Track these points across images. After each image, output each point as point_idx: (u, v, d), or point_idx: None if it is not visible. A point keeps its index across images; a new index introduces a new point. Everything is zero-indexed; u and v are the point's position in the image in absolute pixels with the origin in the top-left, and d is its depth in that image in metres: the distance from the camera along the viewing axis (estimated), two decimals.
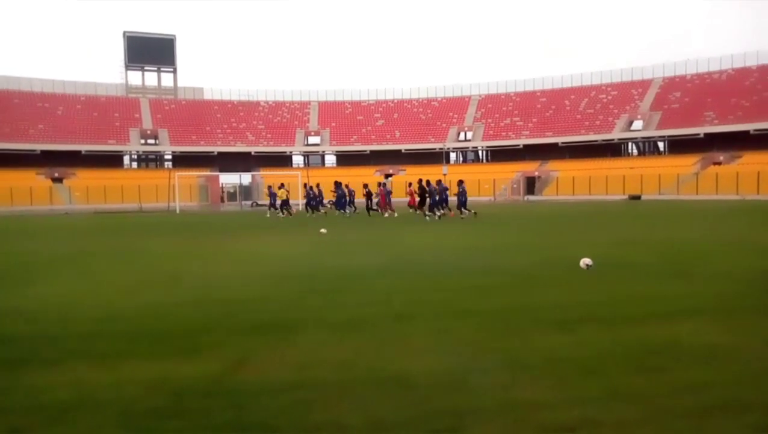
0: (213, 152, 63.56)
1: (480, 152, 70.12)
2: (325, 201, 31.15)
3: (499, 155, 65.38)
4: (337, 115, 72.25)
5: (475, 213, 23.21)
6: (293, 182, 34.60)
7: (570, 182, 54.75)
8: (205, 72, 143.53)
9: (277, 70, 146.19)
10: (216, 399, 3.75)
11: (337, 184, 28.54)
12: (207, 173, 57.61)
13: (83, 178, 56.09)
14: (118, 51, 73.11)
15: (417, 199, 26.33)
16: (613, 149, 60.89)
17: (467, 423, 3.32)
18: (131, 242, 15.79)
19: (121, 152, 63.48)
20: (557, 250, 11.76)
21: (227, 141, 65.50)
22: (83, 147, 59.07)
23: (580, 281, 7.97)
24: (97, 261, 11.61)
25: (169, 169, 59.77)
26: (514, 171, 60.12)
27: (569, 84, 68.99)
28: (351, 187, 29.46)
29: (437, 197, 23.51)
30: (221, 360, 4.57)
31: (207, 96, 73.02)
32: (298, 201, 34.57)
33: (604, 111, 63.24)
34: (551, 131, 63.24)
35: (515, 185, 59.00)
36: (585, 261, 8.77)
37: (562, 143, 61.17)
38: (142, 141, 64.21)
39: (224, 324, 5.78)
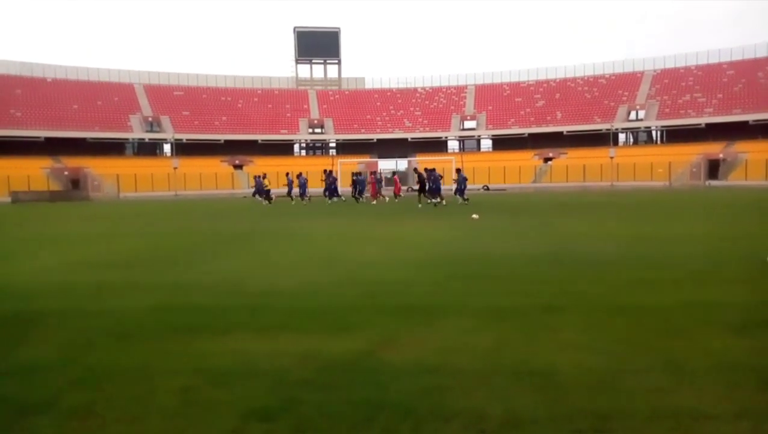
0: (372, 139, 66.22)
1: (654, 133, 64.35)
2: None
3: (676, 135, 59.33)
4: (495, 98, 70.81)
5: (467, 199, 25.37)
6: (447, 167, 34.81)
7: (762, 165, 48.06)
8: (367, 61, 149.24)
9: (434, 56, 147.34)
10: (359, 375, 3.90)
11: (327, 172, 31.79)
12: (367, 159, 60.10)
13: (260, 165, 61.62)
14: (288, 45, 78.70)
15: (417, 187, 27.68)
16: None
17: (614, 427, 3.07)
18: (296, 224, 17.07)
19: (291, 140, 68.82)
20: (739, 241, 10.44)
21: (386, 128, 67.75)
22: (259, 136, 65.07)
23: (765, 278, 6.97)
24: (266, 241, 12.73)
25: (333, 156, 63.46)
26: (694, 153, 54.21)
27: (763, 53, 60.27)
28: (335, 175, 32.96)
29: (433, 185, 25.03)
30: (367, 338, 4.74)
31: (368, 85, 76.09)
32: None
33: None
34: (739, 107, 55.89)
35: (695, 169, 53.22)
36: None
37: (753, 120, 53.77)
38: (310, 130, 68.94)
39: (371, 304, 5.99)
